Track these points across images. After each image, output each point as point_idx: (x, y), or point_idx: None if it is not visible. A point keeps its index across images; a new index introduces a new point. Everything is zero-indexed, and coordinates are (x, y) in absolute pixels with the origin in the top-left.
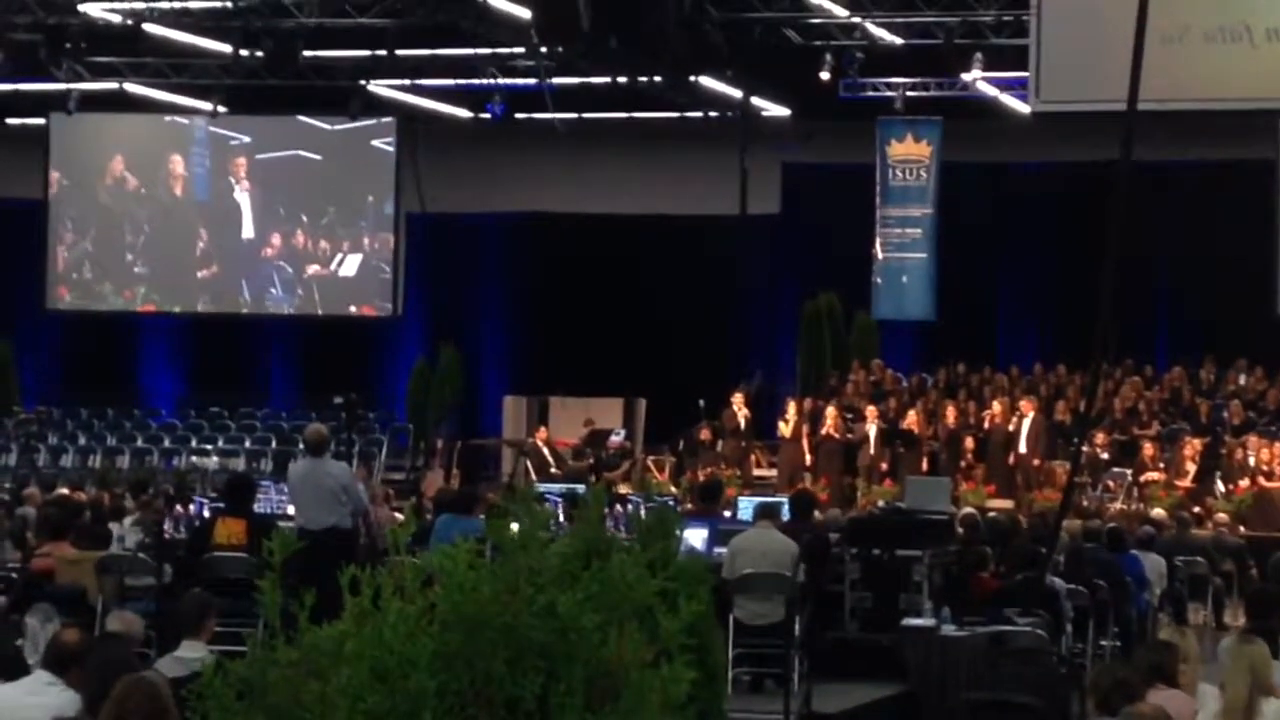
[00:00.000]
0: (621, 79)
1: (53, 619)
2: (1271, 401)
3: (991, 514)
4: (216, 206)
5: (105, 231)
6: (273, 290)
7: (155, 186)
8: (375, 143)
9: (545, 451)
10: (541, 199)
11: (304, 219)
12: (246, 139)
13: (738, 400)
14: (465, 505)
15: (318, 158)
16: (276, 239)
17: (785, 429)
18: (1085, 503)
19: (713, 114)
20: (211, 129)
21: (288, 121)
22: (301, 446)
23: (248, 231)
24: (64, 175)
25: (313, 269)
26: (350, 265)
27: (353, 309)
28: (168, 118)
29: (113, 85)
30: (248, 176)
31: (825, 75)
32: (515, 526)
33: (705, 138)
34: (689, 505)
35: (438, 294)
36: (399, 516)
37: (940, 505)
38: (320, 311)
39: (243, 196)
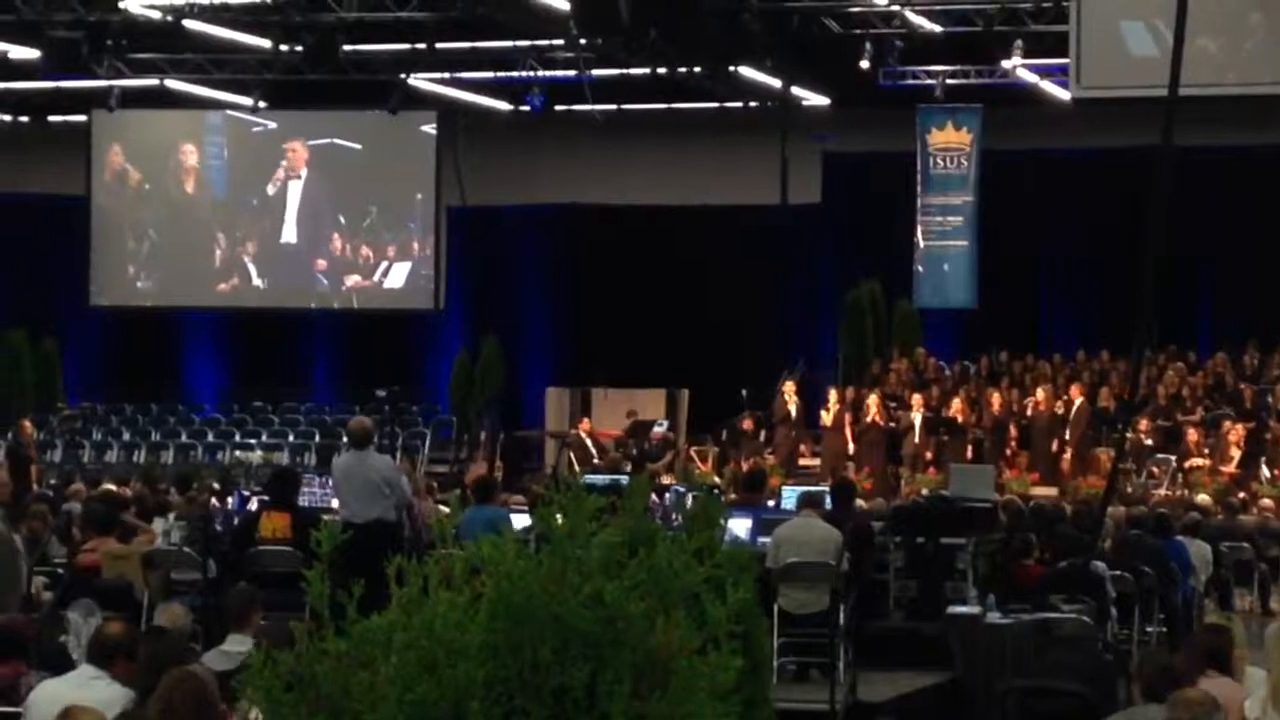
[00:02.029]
0: (661, 70)
1: (94, 613)
2: None
3: (1035, 501)
4: (237, 205)
5: (99, 238)
6: (308, 308)
7: (162, 182)
8: (424, 128)
9: (588, 443)
10: (582, 191)
11: (342, 220)
12: (272, 125)
13: (788, 389)
14: (482, 494)
15: (356, 147)
16: (310, 244)
17: (827, 418)
18: (1130, 489)
19: (752, 104)
20: (230, 113)
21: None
22: (345, 440)
23: (276, 234)
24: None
25: (352, 280)
26: (397, 275)
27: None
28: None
29: (153, 81)
30: (274, 169)
31: (865, 64)
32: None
33: (745, 128)
34: (732, 495)
35: (479, 286)
36: (444, 509)
37: (984, 493)
38: (358, 307)
39: (269, 192)
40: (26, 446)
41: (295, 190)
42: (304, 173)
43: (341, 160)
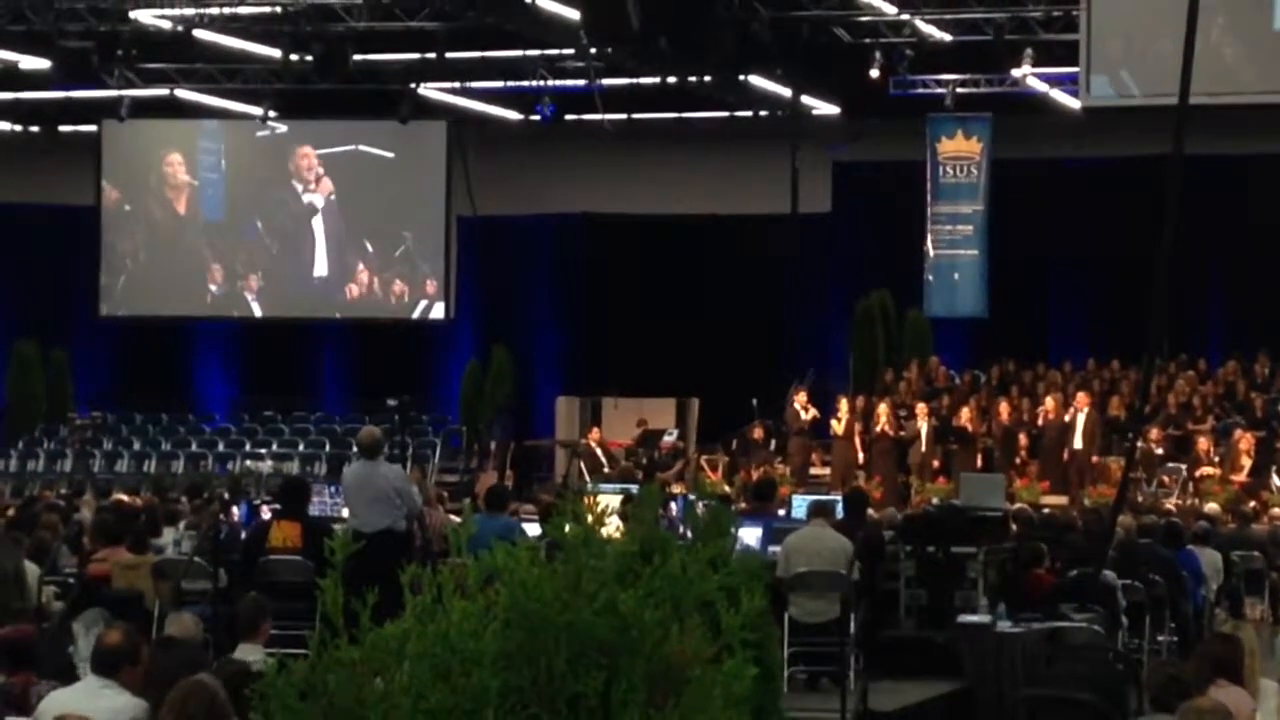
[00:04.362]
0: (671, 79)
1: (97, 623)
2: None
3: (1046, 510)
4: (235, 230)
5: (107, 250)
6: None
7: (142, 201)
8: (434, 137)
9: (598, 452)
10: (592, 200)
11: (369, 247)
12: (282, 129)
13: (800, 399)
14: (497, 503)
15: (389, 155)
16: (329, 277)
17: (838, 427)
18: (1140, 498)
19: (762, 113)
20: (230, 121)
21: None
22: (355, 449)
23: (287, 264)
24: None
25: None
26: (439, 314)
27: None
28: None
29: (164, 91)
30: (283, 183)
31: (875, 73)
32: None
33: (755, 137)
34: (742, 504)
35: (490, 296)
36: (454, 518)
37: (995, 502)
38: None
39: (277, 213)
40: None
41: (312, 210)
42: (322, 188)
43: (363, 169)
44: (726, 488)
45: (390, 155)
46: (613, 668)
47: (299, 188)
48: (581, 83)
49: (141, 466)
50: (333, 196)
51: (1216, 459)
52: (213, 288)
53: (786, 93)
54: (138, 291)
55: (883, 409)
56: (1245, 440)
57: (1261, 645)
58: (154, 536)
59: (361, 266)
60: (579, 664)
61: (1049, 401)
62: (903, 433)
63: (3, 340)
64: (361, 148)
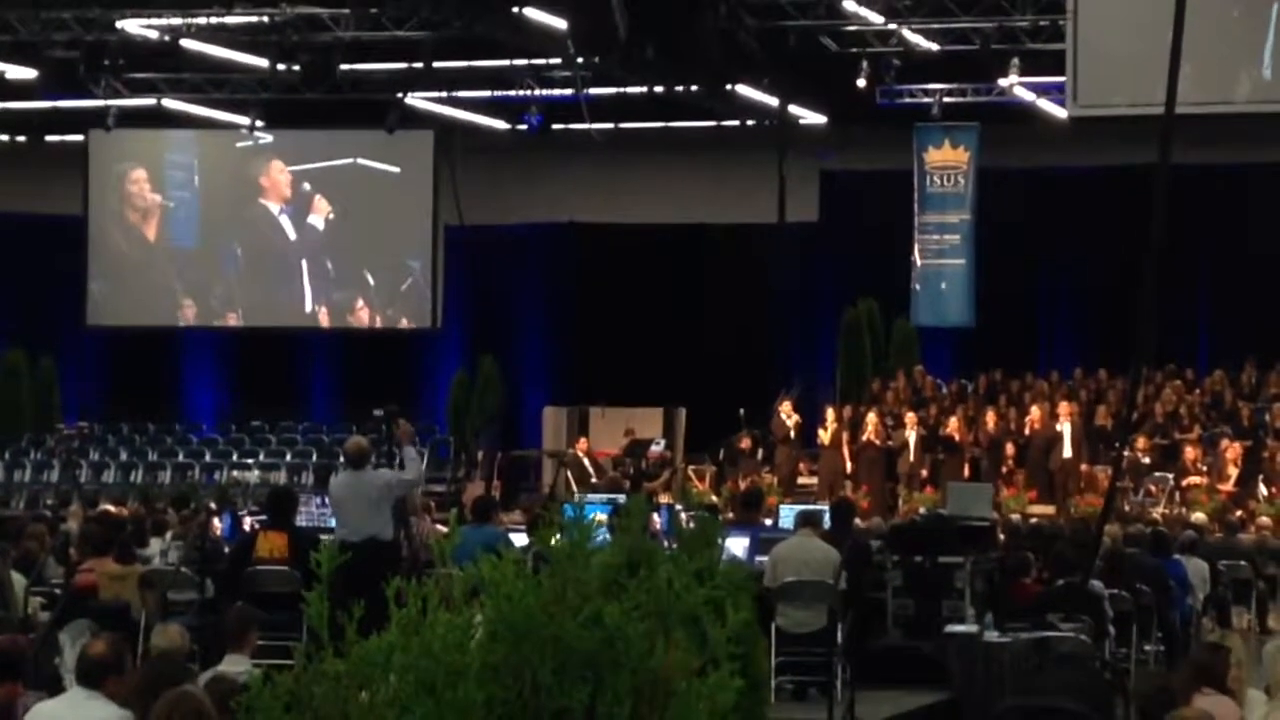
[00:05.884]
0: (658, 88)
1: (83, 635)
2: None
3: (1033, 519)
4: (210, 258)
5: (96, 260)
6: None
7: (100, 224)
8: (421, 147)
9: (585, 462)
10: (579, 209)
11: (369, 279)
12: (266, 139)
13: (785, 409)
14: (482, 514)
15: (393, 169)
16: (319, 313)
17: (825, 436)
18: (1127, 507)
19: (750, 122)
20: (205, 131)
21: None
22: (341, 460)
23: (268, 298)
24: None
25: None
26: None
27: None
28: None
29: (151, 101)
30: (267, 204)
31: (862, 82)
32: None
33: (742, 146)
34: (730, 514)
35: (477, 305)
36: (441, 529)
37: (982, 511)
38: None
39: (259, 238)
40: None
41: (300, 232)
42: (318, 209)
43: (358, 190)
44: (714, 497)
45: (396, 170)
46: (598, 680)
47: (284, 208)
48: (569, 92)
49: (128, 477)
50: (330, 217)
51: (1203, 468)
52: (183, 325)
53: (774, 102)
54: (113, 314)
55: (871, 418)
56: (1232, 449)
57: (1249, 654)
58: (141, 547)
59: (361, 303)
60: (564, 676)
61: (1035, 411)
62: (890, 442)
63: None
64: (361, 161)
